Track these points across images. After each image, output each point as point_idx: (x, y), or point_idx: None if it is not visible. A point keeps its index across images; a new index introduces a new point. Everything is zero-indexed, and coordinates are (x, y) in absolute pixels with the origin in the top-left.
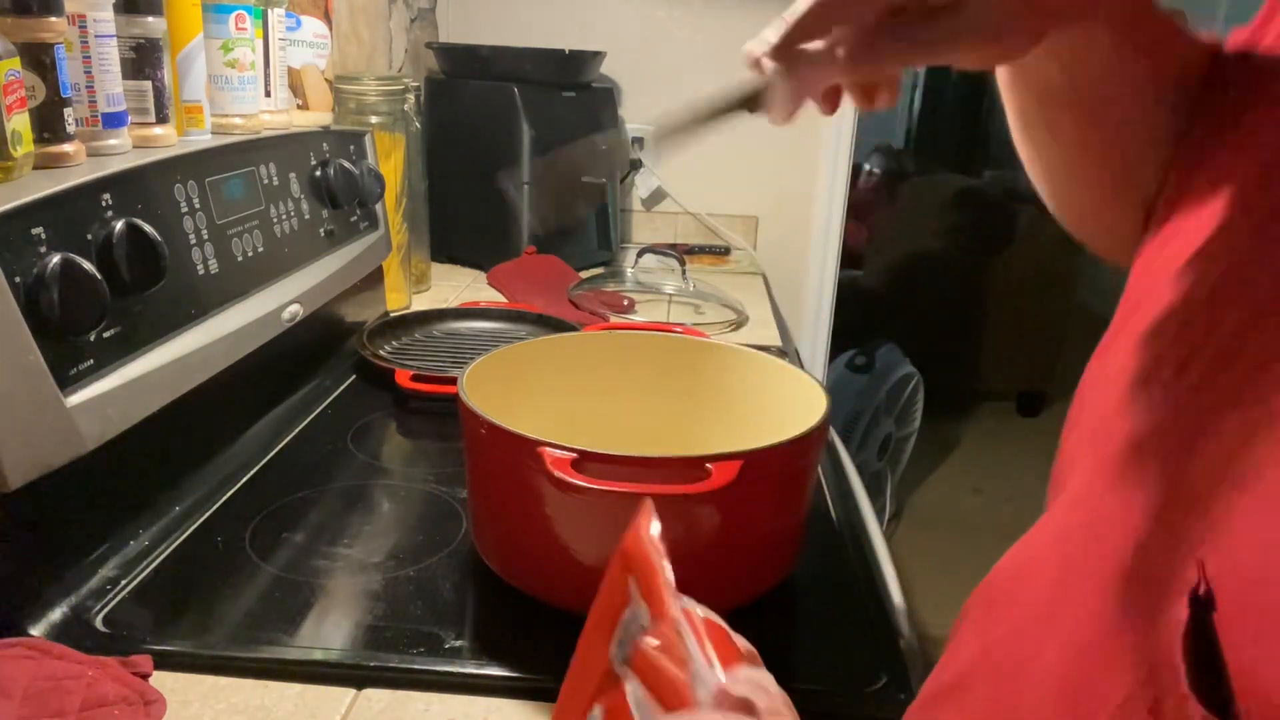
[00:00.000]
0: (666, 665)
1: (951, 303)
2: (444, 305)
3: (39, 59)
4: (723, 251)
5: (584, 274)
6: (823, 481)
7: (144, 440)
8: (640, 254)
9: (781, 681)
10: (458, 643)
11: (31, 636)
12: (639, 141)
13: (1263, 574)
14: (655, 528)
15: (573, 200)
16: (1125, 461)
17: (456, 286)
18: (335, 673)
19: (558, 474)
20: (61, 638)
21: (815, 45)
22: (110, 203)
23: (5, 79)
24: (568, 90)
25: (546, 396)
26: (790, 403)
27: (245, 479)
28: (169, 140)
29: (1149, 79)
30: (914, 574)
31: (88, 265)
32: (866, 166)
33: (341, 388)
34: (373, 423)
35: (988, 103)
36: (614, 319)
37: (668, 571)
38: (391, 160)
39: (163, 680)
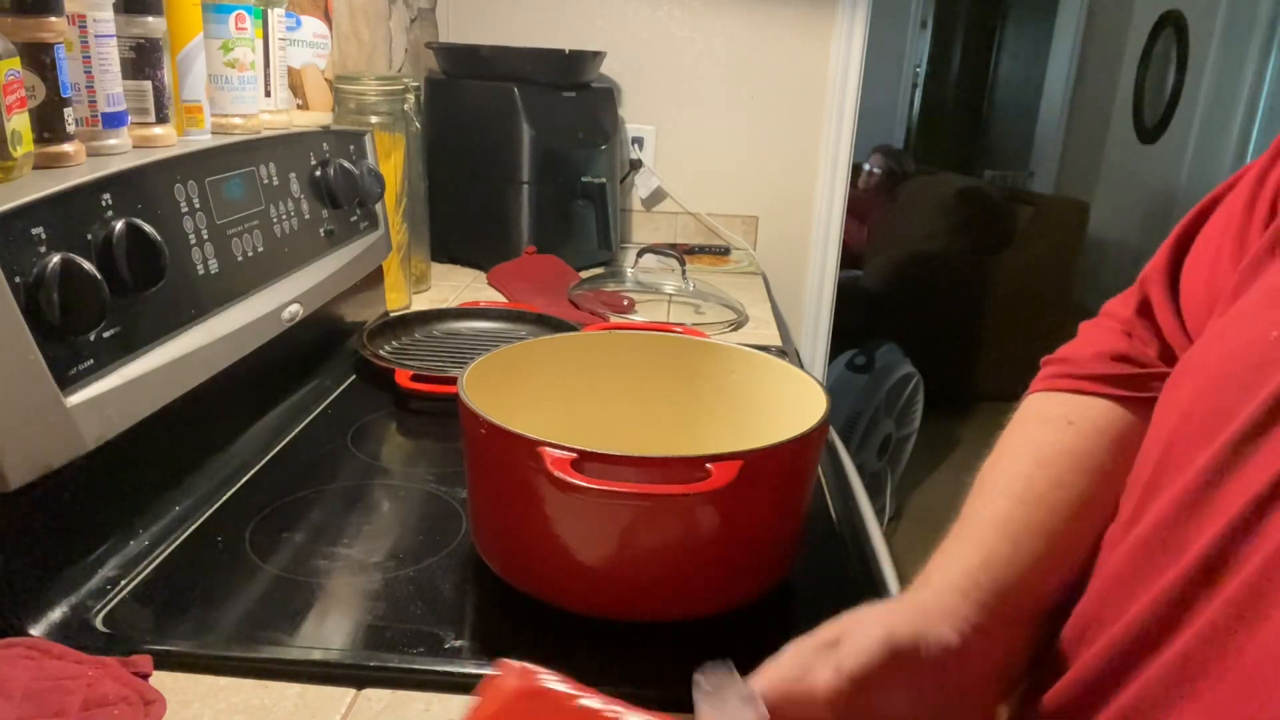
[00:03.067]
0: None
1: (951, 303)
2: (444, 305)
3: (39, 59)
4: (723, 251)
5: (584, 274)
6: (823, 481)
7: (144, 440)
8: (640, 254)
9: None
10: (458, 643)
11: (31, 636)
12: (638, 142)
13: None
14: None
15: None
16: None
17: (456, 286)
18: (335, 673)
19: (558, 474)
20: (61, 638)
21: None
22: (110, 203)
23: (5, 79)
24: (568, 90)
25: (546, 396)
26: (790, 403)
27: (245, 479)
28: (169, 140)
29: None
30: (914, 574)
31: (88, 265)
32: (866, 166)
33: (341, 388)
34: (373, 423)
35: (988, 103)
36: (614, 319)
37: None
38: (391, 160)
39: (163, 680)
